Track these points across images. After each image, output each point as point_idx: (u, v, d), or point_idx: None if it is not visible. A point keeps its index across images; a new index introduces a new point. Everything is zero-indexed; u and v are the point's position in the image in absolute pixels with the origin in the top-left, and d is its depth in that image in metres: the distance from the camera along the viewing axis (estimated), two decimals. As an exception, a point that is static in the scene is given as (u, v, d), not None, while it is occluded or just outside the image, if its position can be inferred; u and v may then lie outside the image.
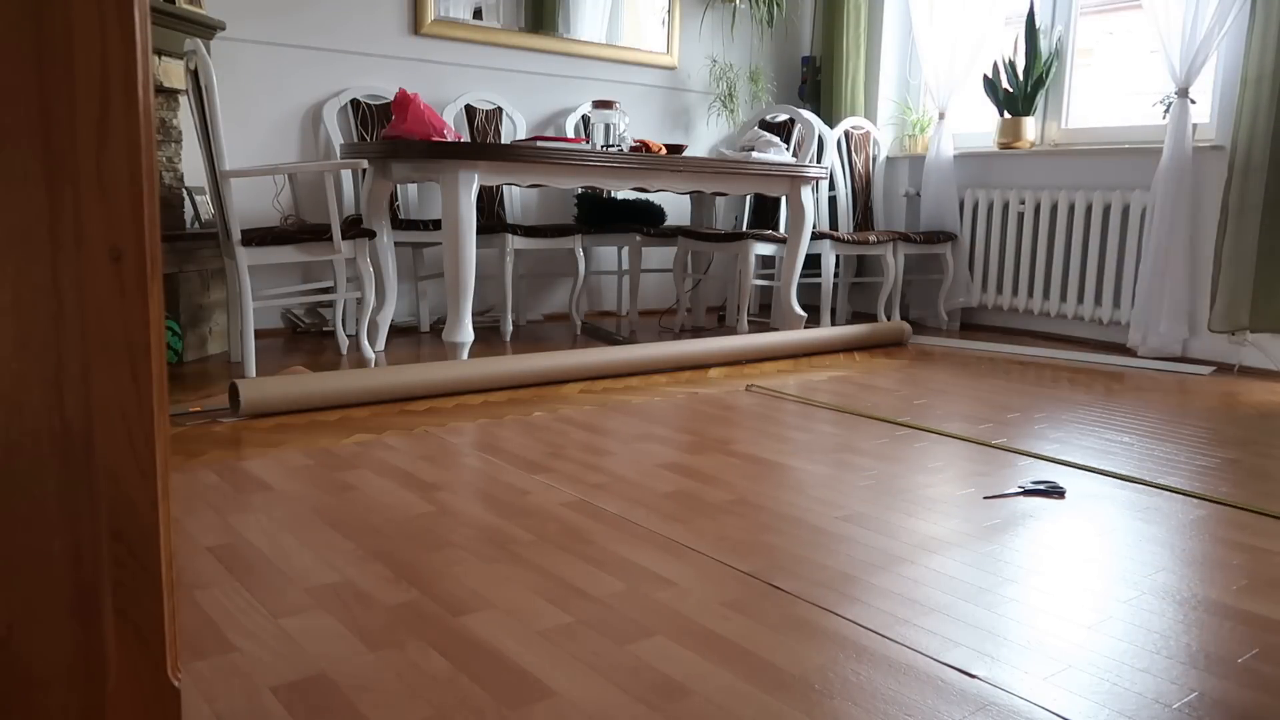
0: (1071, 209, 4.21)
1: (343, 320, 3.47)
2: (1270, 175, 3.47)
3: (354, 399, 2.62)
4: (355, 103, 3.87)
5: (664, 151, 3.63)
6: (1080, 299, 4.23)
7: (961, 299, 4.63)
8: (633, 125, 4.73)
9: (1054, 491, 2.00)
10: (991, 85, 4.43)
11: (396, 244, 3.77)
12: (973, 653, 1.27)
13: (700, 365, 3.44)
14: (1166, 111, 3.83)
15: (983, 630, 1.34)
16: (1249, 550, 1.69)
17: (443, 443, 2.29)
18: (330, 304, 3.89)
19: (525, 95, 4.39)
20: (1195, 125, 3.75)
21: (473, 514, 1.78)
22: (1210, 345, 3.81)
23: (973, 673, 1.22)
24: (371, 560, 1.54)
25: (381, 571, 1.49)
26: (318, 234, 3.07)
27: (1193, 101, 3.71)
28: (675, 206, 4.88)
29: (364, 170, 3.67)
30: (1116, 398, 3.04)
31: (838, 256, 4.63)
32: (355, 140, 3.86)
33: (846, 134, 4.77)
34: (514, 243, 3.81)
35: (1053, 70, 4.33)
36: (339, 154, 3.68)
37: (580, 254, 4.05)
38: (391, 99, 3.84)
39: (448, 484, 1.96)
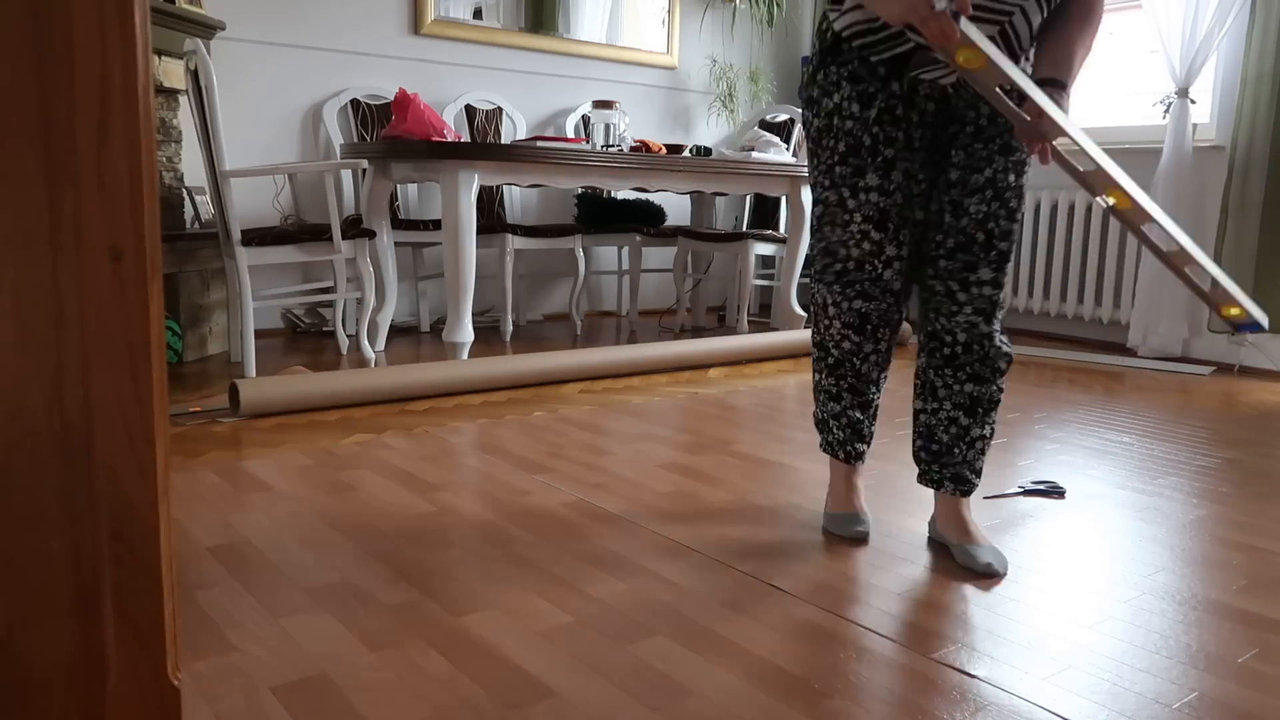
0: (1072, 209, 4.20)
1: (343, 320, 3.47)
2: (1270, 175, 3.47)
3: (354, 399, 2.62)
4: (355, 103, 3.87)
5: (664, 151, 3.63)
6: (1080, 299, 4.22)
7: (961, 299, 4.62)
8: (633, 125, 4.73)
9: (1054, 492, 2.00)
10: (991, 85, 4.43)
11: (396, 244, 3.77)
12: (973, 653, 1.27)
13: (700, 365, 3.44)
14: (1166, 111, 3.83)
15: (983, 630, 1.34)
16: (1249, 550, 1.69)
17: (443, 443, 2.29)
18: (330, 304, 3.89)
19: (525, 95, 4.39)
20: (1195, 125, 3.75)
21: (473, 514, 1.78)
22: (1210, 345, 3.81)
23: (973, 673, 1.22)
24: (372, 560, 1.54)
25: (382, 571, 1.49)
26: (317, 234, 3.07)
27: (1193, 101, 3.70)
28: (675, 206, 4.88)
29: (364, 170, 3.67)
30: (1117, 397, 3.04)
31: (838, 256, 4.63)
32: (355, 140, 3.86)
33: (846, 134, 4.76)
34: (514, 242, 3.81)
35: (1053, 70, 4.32)
36: (339, 154, 3.68)
37: (580, 254, 4.05)
38: (391, 99, 3.83)
39: (448, 484, 1.96)
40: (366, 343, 3.26)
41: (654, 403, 2.81)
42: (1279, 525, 1.82)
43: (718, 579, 1.50)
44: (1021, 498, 1.97)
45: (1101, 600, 1.45)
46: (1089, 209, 4.14)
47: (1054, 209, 4.27)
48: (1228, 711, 1.13)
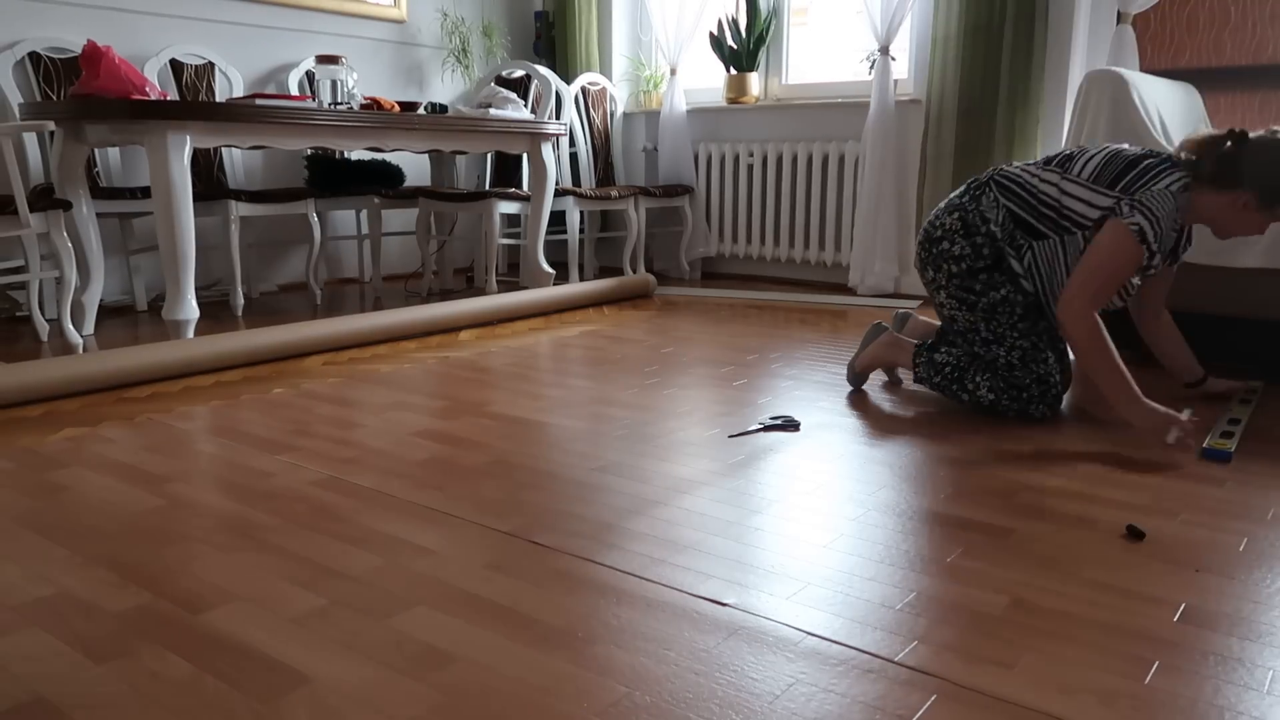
0: (795, 160, 4.48)
1: (40, 303, 3.09)
2: (959, 125, 3.86)
3: (59, 390, 2.35)
4: (35, 56, 3.42)
5: (397, 109, 3.50)
6: (806, 244, 4.54)
7: (701, 249, 4.84)
8: (362, 82, 4.51)
9: (790, 425, 2.15)
10: (718, 42, 4.61)
11: (100, 215, 3.40)
12: (724, 583, 1.35)
13: (450, 329, 3.38)
14: (872, 68, 4.15)
15: (732, 561, 1.42)
16: (952, 463, 1.89)
17: (170, 430, 2.10)
18: (23, 285, 3.45)
19: (239, 49, 4.06)
20: (896, 81, 4.10)
21: (209, 503, 1.65)
22: (917, 281, 4.22)
23: (724, 601, 1.29)
24: (92, 565, 1.39)
25: (105, 576, 1.36)
26: (-1, 207, 2.70)
27: (893, 59, 4.04)
28: (414, 166, 4.73)
29: (51, 133, 3.26)
30: (841, 334, 3.30)
31: (582, 212, 4.68)
32: (39, 99, 3.42)
33: (583, 90, 4.80)
34: (238, 209, 3.54)
35: (771, 28, 4.57)
36: (18, 115, 3.24)
37: (314, 219, 3.83)
38: (79, 52, 3.42)
39: (179, 474, 1.81)
40: (71, 326, 2.93)
41: (403, 370, 2.73)
42: (975, 436, 2.06)
43: (477, 542, 1.49)
44: (762, 433, 2.09)
45: (833, 520, 1.58)
46: (809, 159, 4.43)
47: (779, 160, 4.53)
48: (940, 605, 1.27)
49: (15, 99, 3.34)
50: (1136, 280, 2.11)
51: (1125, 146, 2.11)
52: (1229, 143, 1.99)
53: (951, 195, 2.27)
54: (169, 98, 3.34)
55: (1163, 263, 2.08)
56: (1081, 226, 2.07)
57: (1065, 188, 2.09)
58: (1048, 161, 2.16)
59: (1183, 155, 2.04)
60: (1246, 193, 1.96)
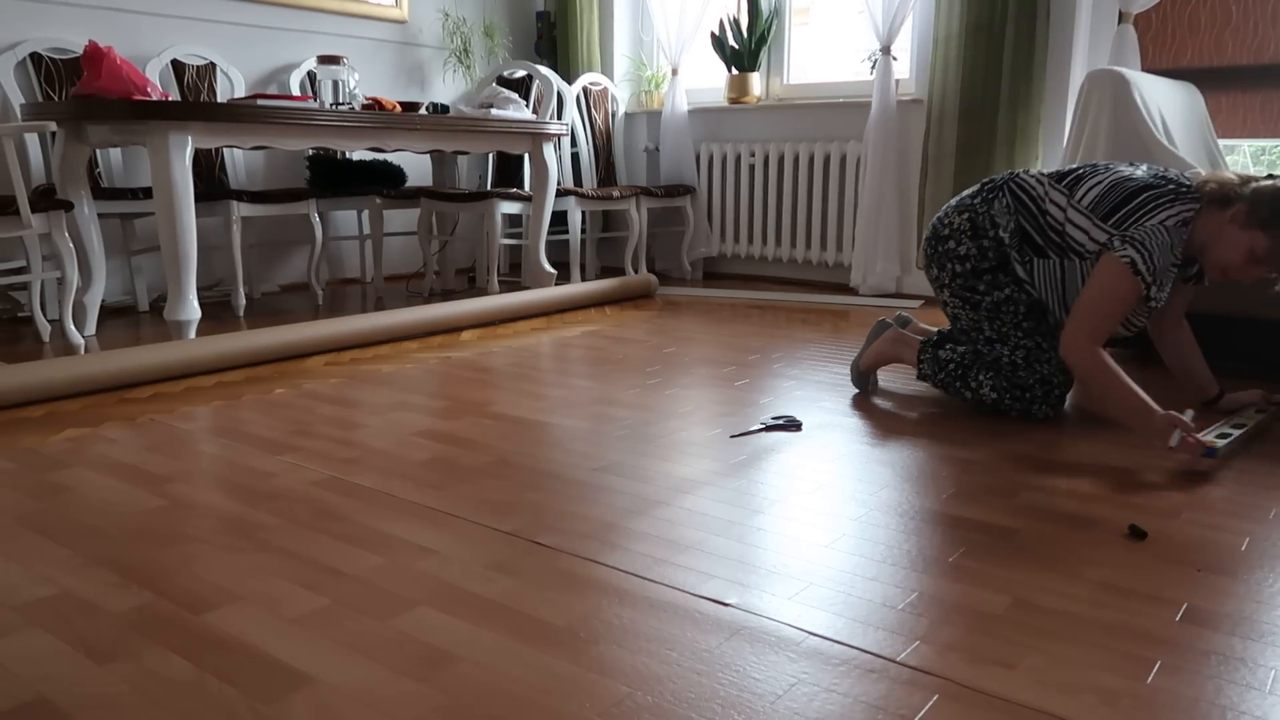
0: (796, 160, 4.48)
1: (41, 304, 3.09)
2: (960, 125, 3.86)
3: (61, 390, 2.35)
4: (36, 56, 3.42)
5: (399, 110, 3.50)
6: (808, 244, 4.53)
7: (703, 249, 4.83)
8: (364, 82, 4.51)
9: (792, 425, 2.14)
10: (719, 43, 4.61)
11: (102, 215, 3.40)
12: (726, 583, 1.34)
13: (452, 329, 3.38)
14: (873, 68, 4.15)
15: (734, 561, 1.42)
16: (956, 463, 1.89)
17: (172, 430, 2.10)
18: (24, 286, 3.45)
19: (241, 50, 4.06)
20: (897, 81, 4.10)
21: (211, 504, 1.65)
22: (919, 281, 4.22)
23: (726, 601, 1.29)
24: (93, 566, 1.39)
25: (106, 577, 1.36)
26: (1, 207, 2.70)
27: (894, 58, 4.04)
28: (416, 167, 4.73)
29: (53, 134, 3.26)
30: (843, 334, 3.30)
31: (583, 213, 4.68)
32: (40, 100, 3.42)
33: (585, 90, 4.80)
34: (240, 210, 3.54)
35: (773, 29, 4.56)
36: (20, 115, 3.25)
37: (316, 219, 3.83)
38: (80, 53, 3.42)
39: (180, 474, 1.81)
40: (73, 327, 2.93)
41: (405, 370, 2.73)
42: (977, 436, 2.06)
43: (479, 542, 1.49)
44: (764, 433, 2.09)
45: (836, 520, 1.58)
46: (811, 159, 4.43)
47: (780, 160, 4.53)
48: (942, 605, 1.27)
49: (17, 99, 3.34)
50: (1144, 318, 2.09)
51: (1133, 173, 2.06)
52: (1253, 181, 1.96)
53: (963, 194, 2.27)
54: (170, 98, 3.34)
55: (1167, 294, 1.99)
56: (1080, 255, 2.07)
57: (1070, 214, 2.08)
58: (1060, 178, 2.14)
59: (1209, 186, 1.97)
60: (1239, 206, 1.92)
